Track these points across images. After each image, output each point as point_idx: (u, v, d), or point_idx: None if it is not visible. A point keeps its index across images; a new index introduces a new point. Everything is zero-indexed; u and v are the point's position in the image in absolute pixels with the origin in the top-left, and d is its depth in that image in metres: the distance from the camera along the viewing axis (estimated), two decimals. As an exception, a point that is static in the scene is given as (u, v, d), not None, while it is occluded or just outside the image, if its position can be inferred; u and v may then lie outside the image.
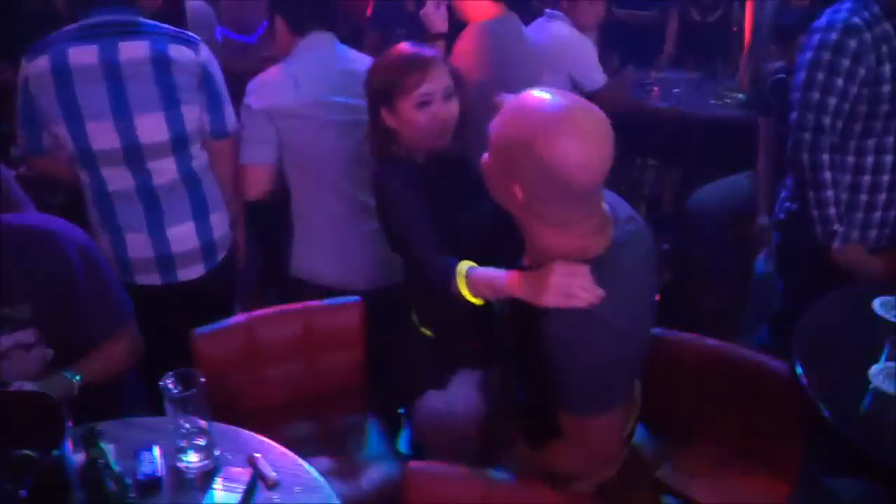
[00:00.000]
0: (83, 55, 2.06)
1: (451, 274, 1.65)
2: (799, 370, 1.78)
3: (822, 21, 2.22)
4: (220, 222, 2.36)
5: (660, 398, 1.88)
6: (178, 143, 2.19)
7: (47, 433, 1.32)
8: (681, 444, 2.05)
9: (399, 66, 1.85)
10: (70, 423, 1.37)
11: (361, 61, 2.30)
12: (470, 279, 1.62)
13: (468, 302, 1.64)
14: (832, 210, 2.24)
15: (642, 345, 1.56)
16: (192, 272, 2.30)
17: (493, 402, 1.88)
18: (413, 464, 1.67)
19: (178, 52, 2.13)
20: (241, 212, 2.50)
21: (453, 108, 1.86)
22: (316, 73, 2.29)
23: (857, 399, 1.69)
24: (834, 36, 2.16)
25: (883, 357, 1.73)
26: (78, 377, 1.66)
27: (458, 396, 1.88)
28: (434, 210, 1.81)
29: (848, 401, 1.70)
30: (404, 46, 1.93)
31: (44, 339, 1.70)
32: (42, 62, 2.06)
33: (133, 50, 2.08)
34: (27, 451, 1.30)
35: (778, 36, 3.06)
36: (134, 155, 2.14)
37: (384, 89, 1.87)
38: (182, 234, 2.26)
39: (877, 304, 1.97)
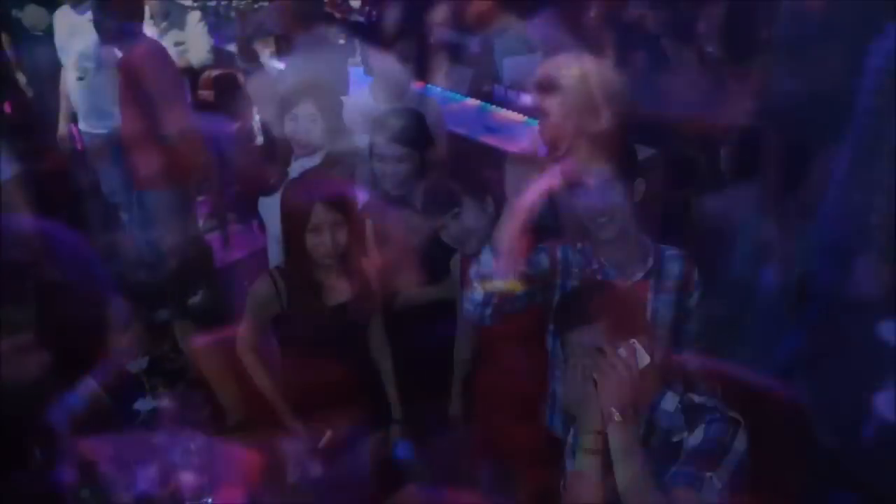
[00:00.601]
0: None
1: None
2: (801, 395, 1.76)
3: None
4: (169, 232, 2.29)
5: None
6: (117, 147, 2.16)
7: (43, 453, 1.32)
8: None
9: None
10: (65, 443, 1.36)
11: None
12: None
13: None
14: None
15: None
16: (138, 274, 2.26)
17: None
18: (410, 486, 1.66)
19: (110, 53, 2.11)
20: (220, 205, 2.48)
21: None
22: None
23: (859, 427, 1.66)
24: None
25: (889, 384, 1.71)
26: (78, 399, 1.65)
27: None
28: None
29: (850, 430, 1.67)
30: None
31: (42, 343, 1.69)
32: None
33: (86, 47, 2.16)
34: (21, 473, 1.30)
35: (793, 45, 3.01)
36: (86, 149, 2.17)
37: None
38: (126, 240, 2.27)
39: (883, 328, 1.94)
